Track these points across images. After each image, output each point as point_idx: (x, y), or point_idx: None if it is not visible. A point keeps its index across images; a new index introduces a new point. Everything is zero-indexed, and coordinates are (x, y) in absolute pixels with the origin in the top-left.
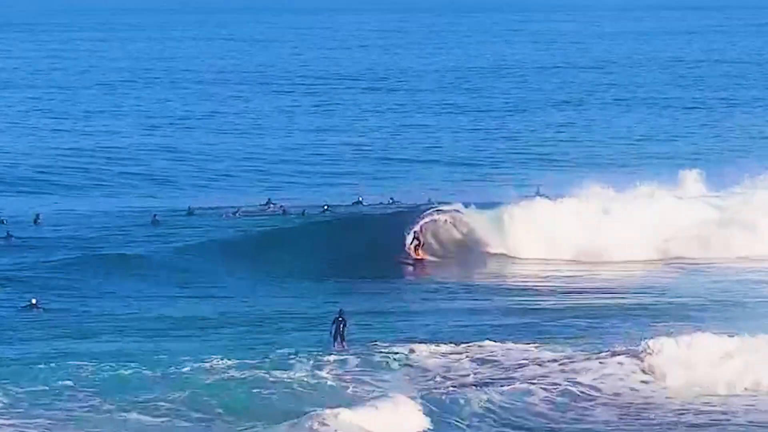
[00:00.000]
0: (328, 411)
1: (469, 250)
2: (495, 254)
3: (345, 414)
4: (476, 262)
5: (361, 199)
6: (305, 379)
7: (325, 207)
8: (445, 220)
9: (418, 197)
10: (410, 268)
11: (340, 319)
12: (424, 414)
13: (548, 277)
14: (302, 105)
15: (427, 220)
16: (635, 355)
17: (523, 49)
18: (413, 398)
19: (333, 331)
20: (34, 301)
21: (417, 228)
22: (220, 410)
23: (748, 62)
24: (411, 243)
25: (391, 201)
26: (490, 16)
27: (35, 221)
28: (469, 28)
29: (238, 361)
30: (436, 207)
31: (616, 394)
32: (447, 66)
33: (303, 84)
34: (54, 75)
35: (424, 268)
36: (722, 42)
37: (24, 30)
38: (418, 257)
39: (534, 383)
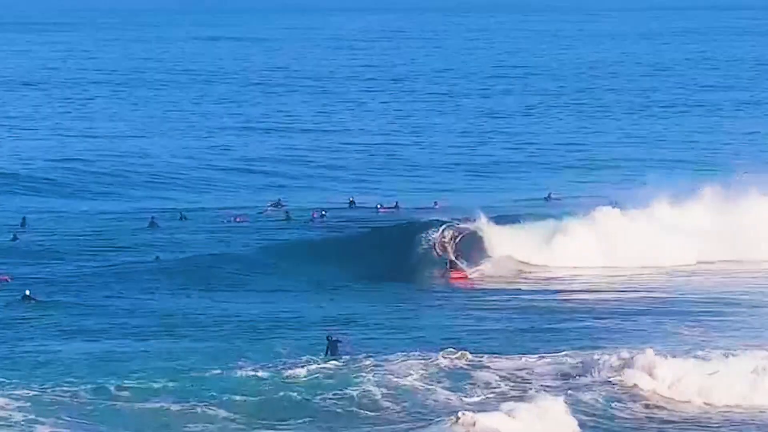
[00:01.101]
0: (474, 413)
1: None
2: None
3: (493, 416)
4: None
5: (352, 199)
6: (413, 384)
7: (323, 213)
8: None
9: (425, 201)
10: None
11: (332, 341)
12: (572, 416)
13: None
14: (303, 106)
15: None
16: None
17: (531, 50)
18: (558, 400)
19: (327, 352)
20: (27, 292)
21: (448, 248)
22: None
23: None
24: (449, 269)
25: (396, 204)
26: (494, 16)
27: (21, 224)
28: (477, 29)
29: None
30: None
31: None
32: (451, 67)
33: (304, 85)
34: (50, 75)
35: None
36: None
37: (21, 30)
38: (463, 276)
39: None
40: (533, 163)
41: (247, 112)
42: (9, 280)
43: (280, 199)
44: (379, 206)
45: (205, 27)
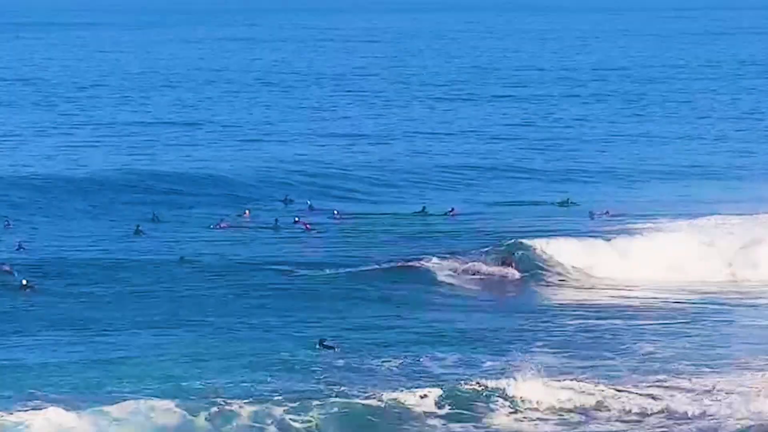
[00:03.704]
0: None
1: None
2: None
3: None
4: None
5: (310, 203)
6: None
7: (296, 219)
8: None
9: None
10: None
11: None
12: None
13: None
14: (301, 108)
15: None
16: None
17: (548, 52)
18: None
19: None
20: (25, 282)
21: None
22: None
23: None
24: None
25: (423, 209)
26: (501, 15)
27: (5, 226)
28: (490, 28)
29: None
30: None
31: None
32: (458, 69)
33: (304, 85)
34: (46, 75)
35: None
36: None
37: (13, 30)
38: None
39: None
40: (547, 167)
41: (246, 112)
42: (15, 273)
43: (287, 195)
44: (422, 210)
45: (205, 27)
